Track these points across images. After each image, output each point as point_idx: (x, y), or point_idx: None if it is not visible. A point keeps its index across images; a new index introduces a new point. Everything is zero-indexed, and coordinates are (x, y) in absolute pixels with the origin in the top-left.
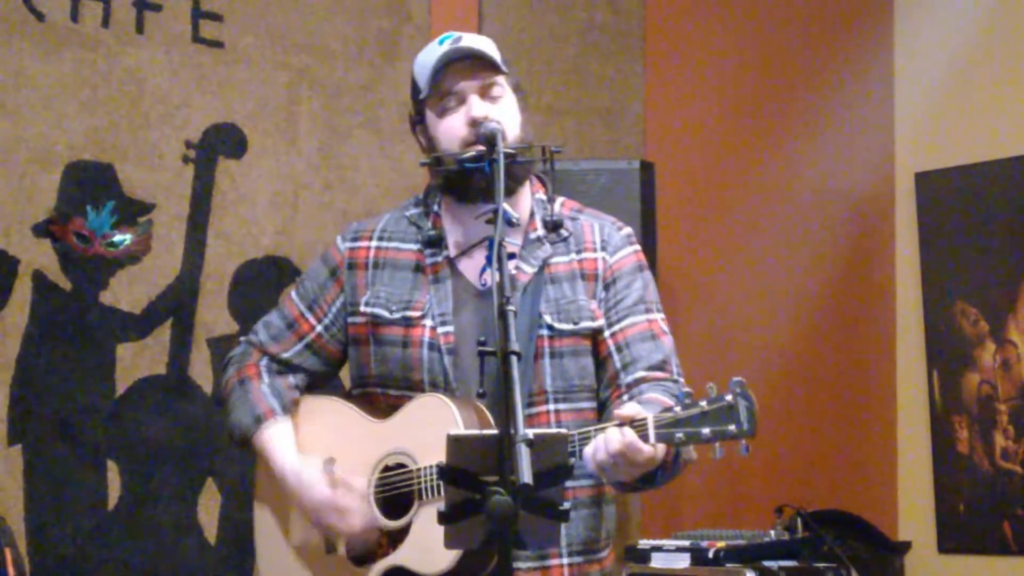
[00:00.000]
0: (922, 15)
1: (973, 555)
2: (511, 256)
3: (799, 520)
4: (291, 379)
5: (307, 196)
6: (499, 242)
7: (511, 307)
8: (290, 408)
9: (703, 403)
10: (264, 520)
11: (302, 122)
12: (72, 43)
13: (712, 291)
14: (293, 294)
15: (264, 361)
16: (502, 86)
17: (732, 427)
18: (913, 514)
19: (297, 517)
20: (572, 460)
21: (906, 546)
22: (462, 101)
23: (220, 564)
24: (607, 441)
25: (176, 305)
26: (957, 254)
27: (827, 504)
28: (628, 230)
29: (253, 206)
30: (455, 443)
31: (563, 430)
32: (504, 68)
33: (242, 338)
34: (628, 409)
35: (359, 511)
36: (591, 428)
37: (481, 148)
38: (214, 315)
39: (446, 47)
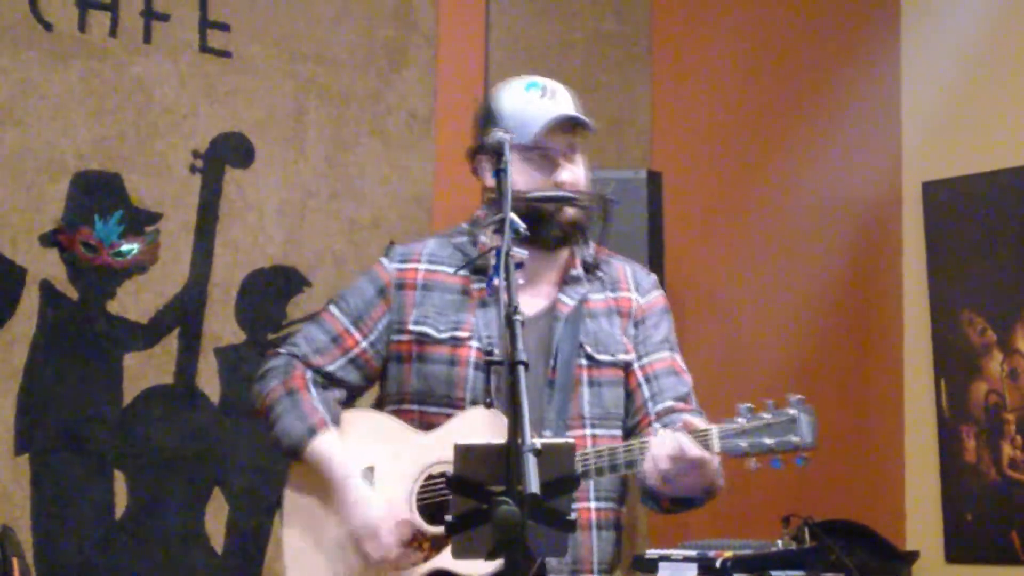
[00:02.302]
0: (929, 25)
1: (981, 565)
2: (518, 265)
3: (806, 530)
4: (336, 393)
5: (314, 205)
6: (506, 252)
7: (519, 316)
8: (338, 421)
9: (766, 415)
10: (294, 530)
11: (309, 131)
12: (80, 53)
13: (719, 300)
14: (333, 309)
15: (309, 374)
16: (582, 144)
17: (794, 438)
18: (921, 524)
19: (333, 526)
20: (632, 469)
21: (914, 556)
22: (547, 158)
23: (227, 574)
24: (662, 447)
25: (183, 314)
26: (964, 264)
27: (834, 514)
28: (655, 276)
29: (260, 215)
30: (463, 453)
31: (570, 440)
32: (591, 128)
33: (281, 349)
34: (693, 422)
35: (398, 545)
36: (648, 438)
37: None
38: (221, 324)
39: (546, 103)
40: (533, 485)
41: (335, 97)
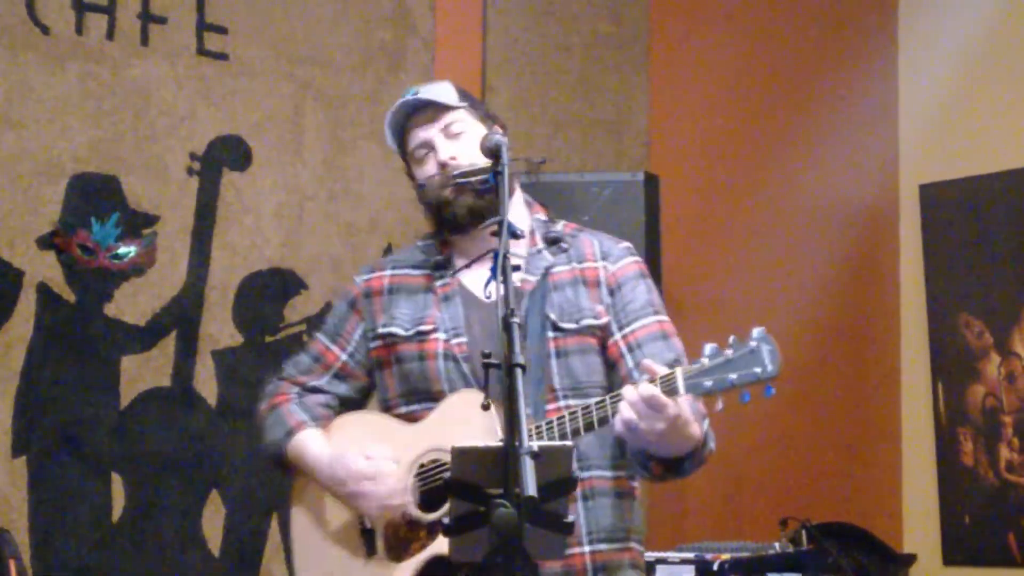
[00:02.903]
0: (926, 27)
1: (978, 567)
2: (515, 268)
3: (804, 532)
4: (320, 398)
5: (312, 207)
6: (503, 254)
7: (516, 319)
8: (320, 420)
9: (728, 352)
10: (301, 530)
11: (307, 134)
12: (77, 56)
13: (716, 303)
14: (316, 333)
15: (295, 390)
16: (463, 121)
17: (757, 370)
18: (918, 526)
19: (336, 523)
20: (606, 425)
21: (911, 558)
22: (430, 148)
23: None
24: (627, 396)
25: (180, 317)
26: (961, 266)
27: (832, 516)
28: (627, 244)
29: (258, 218)
30: (460, 456)
31: (567, 443)
32: (456, 103)
33: (274, 377)
34: (652, 365)
35: (393, 474)
36: (619, 392)
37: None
38: (218, 327)
39: (398, 111)
40: (530, 488)
41: (333, 100)
